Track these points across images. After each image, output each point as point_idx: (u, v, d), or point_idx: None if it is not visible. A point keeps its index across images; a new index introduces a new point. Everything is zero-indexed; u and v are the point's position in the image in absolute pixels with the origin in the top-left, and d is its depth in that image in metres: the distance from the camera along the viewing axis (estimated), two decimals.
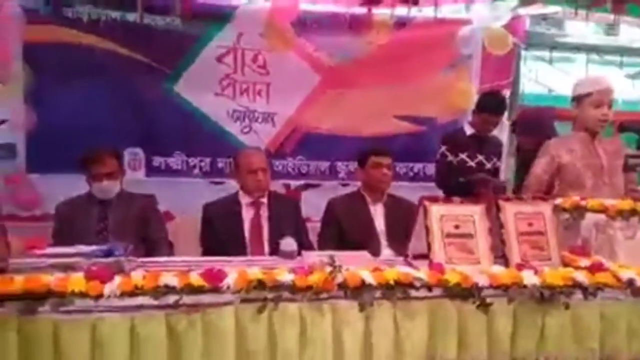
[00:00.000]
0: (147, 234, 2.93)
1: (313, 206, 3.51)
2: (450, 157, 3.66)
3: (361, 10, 3.91)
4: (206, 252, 2.99)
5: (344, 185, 4.21)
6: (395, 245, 3.06)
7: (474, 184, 3.50)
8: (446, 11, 3.94)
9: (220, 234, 2.96)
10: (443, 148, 3.69)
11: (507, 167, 4.22)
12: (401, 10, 3.79)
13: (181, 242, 3.24)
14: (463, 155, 3.66)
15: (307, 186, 4.24)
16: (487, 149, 3.72)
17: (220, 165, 4.10)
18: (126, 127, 3.92)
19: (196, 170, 4.09)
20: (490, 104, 3.63)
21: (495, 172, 3.77)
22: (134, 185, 3.24)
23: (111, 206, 2.90)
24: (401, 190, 3.38)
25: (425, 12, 3.86)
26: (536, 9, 4.16)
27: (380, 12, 3.94)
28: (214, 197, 3.73)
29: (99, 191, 2.86)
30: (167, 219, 3.38)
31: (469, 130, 3.72)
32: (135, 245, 2.43)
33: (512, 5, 4.08)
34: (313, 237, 3.19)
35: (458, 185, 3.51)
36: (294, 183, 4.22)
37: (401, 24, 4.12)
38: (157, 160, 4.04)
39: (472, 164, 3.66)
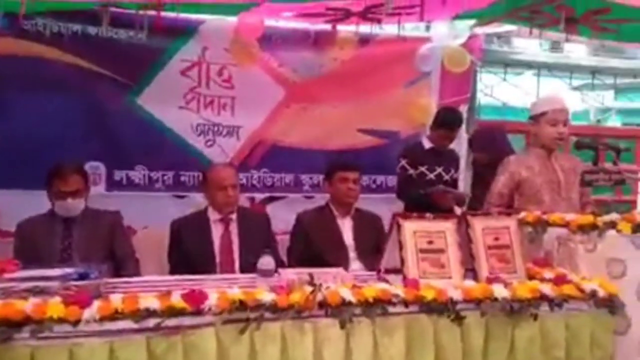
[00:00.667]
0: (114, 251, 2.86)
1: (277, 219, 3.51)
2: (410, 170, 3.76)
3: (326, 27, 3.98)
4: (174, 268, 2.95)
5: (309, 198, 4.25)
6: (363, 258, 3.12)
7: (434, 196, 3.60)
8: (407, 29, 4.04)
9: (189, 250, 2.93)
10: (403, 162, 3.78)
11: (465, 180, 4.36)
12: (365, 28, 3.86)
13: (143, 258, 3.17)
14: (422, 168, 3.76)
15: (271, 199, 4.25)
16: (445, 162, 3.83)
17: (183, 179, 4.06)
18: (87, 141, 3.84)
19: (159, 184, 4.03)
20: (446, 120, 3.75)
21: (453, 183, 3.89)
22: (94, 200, 3.15)
23: (75, 224, 2.82)
24: (364, 202, 3.43)
25: (387, 29, 3.95)
26: (493, 28, 4.33)
27: (344, 29, 4.01)
28: (177, 212, 3.70)
29: (63, 209, 2.77)
30: None
31: (427, 144, 3.83)
32: (102, 264, 2.38)
33: (470, 24, 4.23)
34: (281, 250, 3.21)
35: (418, 197, 3.60)
36: (258, 196, 4.22)
37: (364, 40, 4.22)
38: (118, 174, 3.96)
39: (431, 176, 3.77)
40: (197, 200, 3.95)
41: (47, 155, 3.60)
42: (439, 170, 3.79)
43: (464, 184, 4.36)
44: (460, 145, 4.38)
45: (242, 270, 2.86)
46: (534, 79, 5.78)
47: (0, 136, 3.62)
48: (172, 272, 2.94)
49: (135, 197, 3.90)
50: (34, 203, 3.16)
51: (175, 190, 4.04)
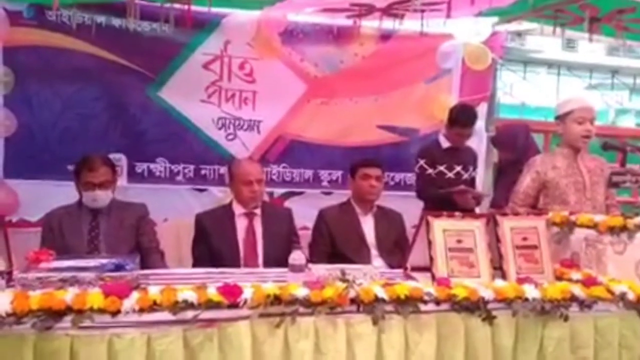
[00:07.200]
0: (140, 243, 2.88)
1: (295, 214, 3.51)
2: (429, 170, 3.75)
3: (347, 22, 3.97)
4: (197, 261, 2.98)
5: (327, 193, 4.26)
6: (385, 256, 3.14)
7: (453, 195, 3.60)
8: (428, 25, 4.02)
9: (214, 244, 2.94)
10: (421, 161, 3.77)
11: (485, 179, 4.36)
12: (386, 24, 3.85)
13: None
14: (441, 167, 3.75)
15: (290, 194, 4.26)
16: (463, 160, 3.82)
17: (204, 172, 4.07)
18: (109, 132, 3.87)
19: (179, 177, 4.04)
20: (460, 118, 3.70)
21: (472, 181, 3.88)
22: (116, 191, 3.19)
23: (102, 215, 2.84)
24: (382, 199, 3.41)
25: (407, 25, 3.94)
26: (515, 26, 4.30)
27: (366, 25, 4.00)
28: (197, 205, 3.76)
29: (91, 200, 2.79)
30: None
31: (444, 143, 3.81)
32: (130, 256, 2.39)
33: (492, 21, 4.22)
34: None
35: (438, 196, 3.60)
36: (277, 191, 4.23)
37: (385, 36, 4.21)
38: (140, 167, 3.97)
39: (450, 175, 3.76)
40: (217, 194, 4.02)
41: (68, 146, 3.70)
42: (458, 168, 3.79)
43: (484, 182, 4.36)
44: (479, 143, 4.38)
45: (265, 265, 2.89)
46: (550, 78, 5.75)
47: (22, 126, 3.68)
48: (195, 265, 2.96)
49: (156, 190, 3.91)
50: (56, 193, 3.25)
51: (195, 184, 4.05)
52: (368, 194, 3.23)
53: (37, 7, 3.60)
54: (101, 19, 3.71)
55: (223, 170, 3.91)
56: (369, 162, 3.30)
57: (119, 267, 1.97)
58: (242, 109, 4.09)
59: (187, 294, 1.78)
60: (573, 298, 2.06)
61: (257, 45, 4.00)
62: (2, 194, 3.66)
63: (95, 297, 1.71)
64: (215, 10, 3.73)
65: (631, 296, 2.11)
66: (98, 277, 1.91)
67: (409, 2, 3.29)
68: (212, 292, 1.81)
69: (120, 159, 3.88)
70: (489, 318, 1.98)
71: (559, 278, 2.31)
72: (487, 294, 2.00)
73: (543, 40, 5.46)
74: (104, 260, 2.02)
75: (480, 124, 4.23)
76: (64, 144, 3.73)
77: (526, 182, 3.02)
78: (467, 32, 4.32)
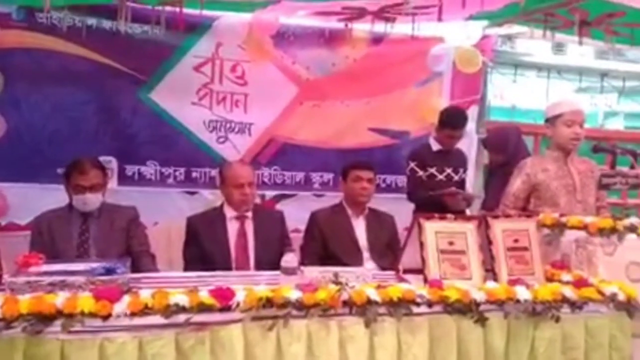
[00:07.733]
0: (130, 247, 2.86)
1: (287, 216, 3.51)
2: (419, 173, 3.76)
3: (339, 25, 3.98)
4: (189, 264, 2.97)
5: (319, 196, 4.26)
6: (377, 258, 3.14)
7: (444, 197, 3.61)
8: (419, 29, 4.04)
9: (205, 247, 2.93)
10: (412, 164, 3.79)
11: (475, 181, 4.38)
12: (377, 27, 3.86)
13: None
14: (432, 170, 3.76)
15: (281, 196, 4.25)
16: (453, 162, 3.84)
17: (194, 175, 4.05)
18: (99, 135, 3.84)
19: (170, 180, 4.02)
20: (450, 120, 3.73)
21: (462, 183, 3.90)
22: (106, 194, 3.17)
23: (92, 219, 2.83)
24: (373, 201, 3.41)
25: (399, 28, 3.95)
26: (505, 30, 4.33)
27: (358, 28, 4.01)
28: (187, 208, 3.73)
29: (81, 204, 2.78)
30: None
31: (435, 146, 3.82)
32: (120, 259, 2.38)
33: (482, 25, 4.24)
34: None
35: (429, 198, 3.61)
36: (268, 193, 4.22)
37: (377, 39, 4.22)
38: (130, 170, 3.95)
39: (441, 177, 3.77)
40: (208, 197, 4.00)
41: (59, 149, 3.67)
42: (448, 171, 3.80)
43: (474, 184, 4.38)
44: (470, 145, 4.40)
45: (257, 268, 2.88)
46: (540, 81, 5.79)
47: (11, 129, 3.64)
48: (187, 268, 2.95)
49: (146, 193, 3.88)
50: (46, 197, 3.22)
51: (186, 187, 4.04)
52: (360, 196, 3.23)
53: (27, 9, 3.57)
54: (92, 21, 3.69)
55: (214, 173, 3.90)
56: (360, 164, 3.30)
57: (109, 271, 1.96)
58: (234, 112, 4.08)
59: (179, 297, 1.78)
60: (564, 299, 2.08)
61: (248, 48, 4.00)
62: None
63: (85, 301, 1.70)
64: (206, 12, 3.72)
65: (621, 297, 2.13)
66: (88, 281, 1.90)
67: (400, 5, 3.30)
68: (204, 295, 1.80)
69: (111, 162, 3.85)
70: (481, 320, 1.99)
71: (550, 279, 2.32)
72: (479, 296, 2.01)
73: (533, 44, 5.50)
74: (94, 264, 2.01)
75: (470, 126, 4.26)
76: (54, 146, 3.70)
77: (517, 184, 3.03)
78: (458, 35, 4.34)
